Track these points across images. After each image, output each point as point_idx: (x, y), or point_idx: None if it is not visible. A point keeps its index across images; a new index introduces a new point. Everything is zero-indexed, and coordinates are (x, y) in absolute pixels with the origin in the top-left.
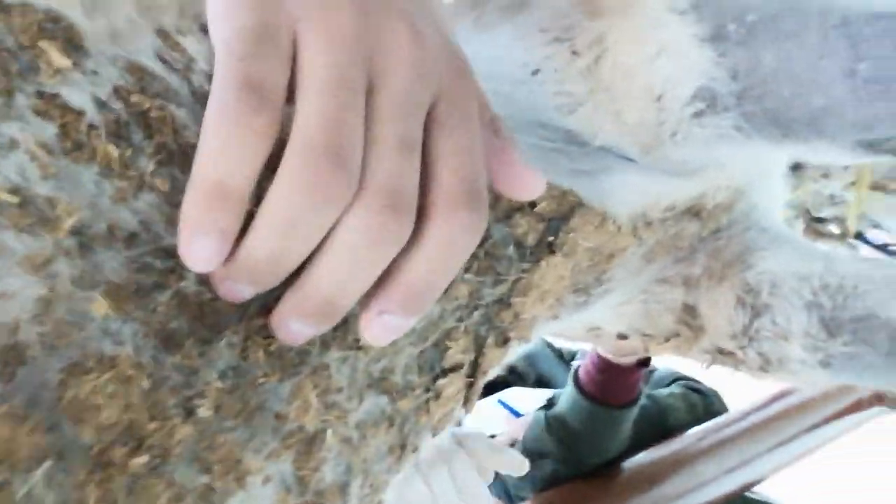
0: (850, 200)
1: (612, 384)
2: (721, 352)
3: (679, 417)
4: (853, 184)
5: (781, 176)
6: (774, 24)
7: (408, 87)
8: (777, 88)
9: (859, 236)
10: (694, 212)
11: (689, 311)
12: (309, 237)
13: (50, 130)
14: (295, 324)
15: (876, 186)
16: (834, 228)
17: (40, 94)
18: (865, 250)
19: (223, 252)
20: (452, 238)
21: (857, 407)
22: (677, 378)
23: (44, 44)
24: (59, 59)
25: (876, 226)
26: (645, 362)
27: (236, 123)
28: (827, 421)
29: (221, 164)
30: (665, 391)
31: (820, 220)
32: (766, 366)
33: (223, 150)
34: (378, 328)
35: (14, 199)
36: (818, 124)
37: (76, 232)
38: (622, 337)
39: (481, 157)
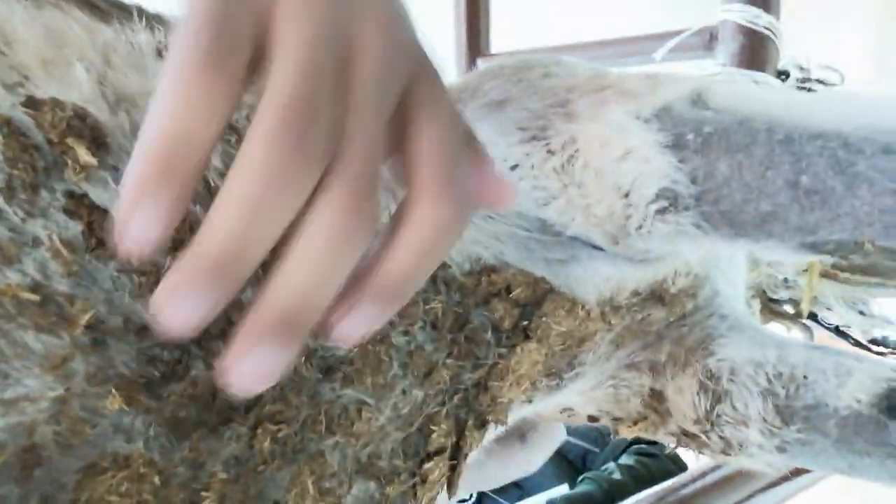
0: (802, 285)
1: None
2: (686, 434)
3: (628, 493)
4: (805, 271)
5: (742, 265)
6: (727, 137)
7: (382, 66)
8: (730, 193)
9: (813, 317)
10: (658, 296)
11: (657, 396)
12: (274, 221)
13: (76, 229)
14: (250, 358)
15: (826, 274)
16: (789, 309)
17: (70, 194)
18: (820, 331)
19: (168, 223)
20: (439, 227)
21: None
22: (633, 442)
23: (71, 141)
24: (86, 157)
25: (829, 308)
26: None
27: (193, 98)
28: (784, 480)
29: (178, 123)
30: (612, 467)
31: (776, 301)
32: (727, 449)
33: (175, 123)
34: (350, 323)
35: (35, 298)
36: (766, 227)
37: (91, 327)
38: (593, 419)
39: (461, 146)
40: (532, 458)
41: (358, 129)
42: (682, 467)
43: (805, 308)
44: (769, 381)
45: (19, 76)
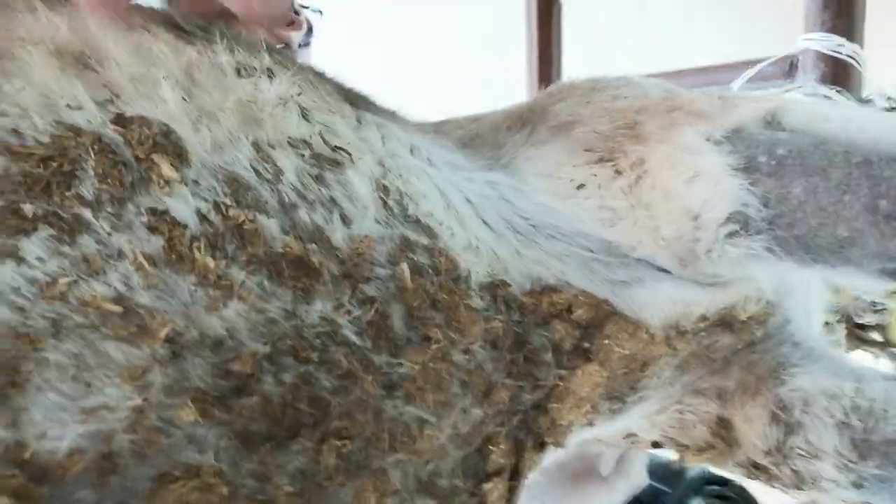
0: (891, 309)
1: None
2: (756, 466)
3: None
4: (895, 293)
5: (819, 291)
6: (802, 159)
7: None
8: (805, 217)
9: None
10: (726, 323)
11: (724, 424)
12: None
13: (157, 243)
14: None
15: None
16: (876, 336)
17: (153, 211)
18: None
19: None
20: None
21: None
22: (706, 481)
23: (157, 157)
24: (169, 172)
25: None
26: None
27: None
28: None
29: None
30: None
31: (861, 327)
32: (800, 483)
33: None
34: None
35: (118, 310)
36: (844, 253)
37: (169, 340)
38: (657, 445)
39: None
40: (610, 498)
41: None
42: None
43: (893, 334)
44: (846, 413)
45: (110, 94)
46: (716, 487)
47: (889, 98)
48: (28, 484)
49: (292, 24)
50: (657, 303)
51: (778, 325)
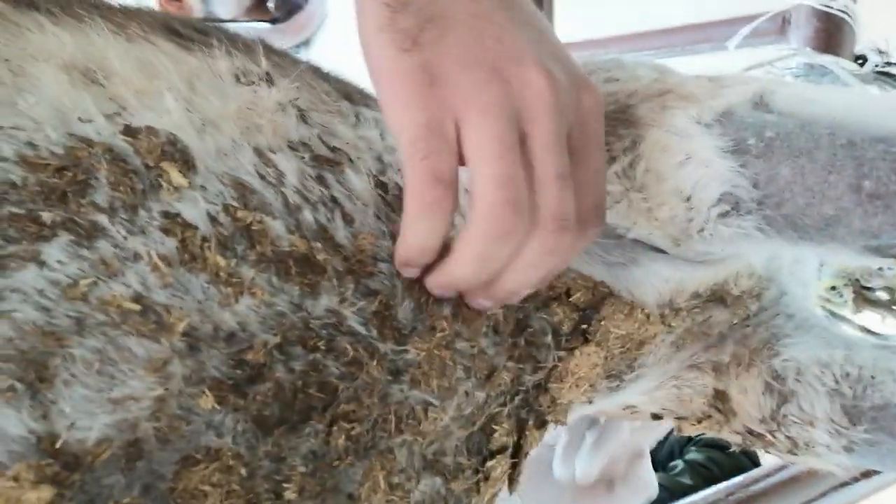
0: None
1: None
2: (751, 433)
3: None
4: None
5: (814, 263)
6: (790, 141)
7: (552, 129)
8: (793, 197)
9: None
10: (719, 298)
11: (720, 396)
12: (498, 262)
13: (171, 244)
14: (483, 301)
15: None
16: (882, 295)
17: (165, 214)
18: None
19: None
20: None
21: None
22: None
23: (165, 165)
24: (178, 179)
25: None
26: None
27: (430, 209)
28: (861, 478)
29: (420, 237)
30: (680, 466)
31: (869, 289)
32: (794, 448)
33: (422, 229)
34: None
35: (136, 308)
36: (830, 230)
37: (186, 334)
38: (656, 417)
39: (605, 176)
40: None
41: (547, 182)
42: (755, 462)
43: None
44: (836, 381)
45: (117, 106)
46: (711, 437)
47: (881, 52)
48: (62, 471)
49: None
50: (651, 282)
51: (773, 298)
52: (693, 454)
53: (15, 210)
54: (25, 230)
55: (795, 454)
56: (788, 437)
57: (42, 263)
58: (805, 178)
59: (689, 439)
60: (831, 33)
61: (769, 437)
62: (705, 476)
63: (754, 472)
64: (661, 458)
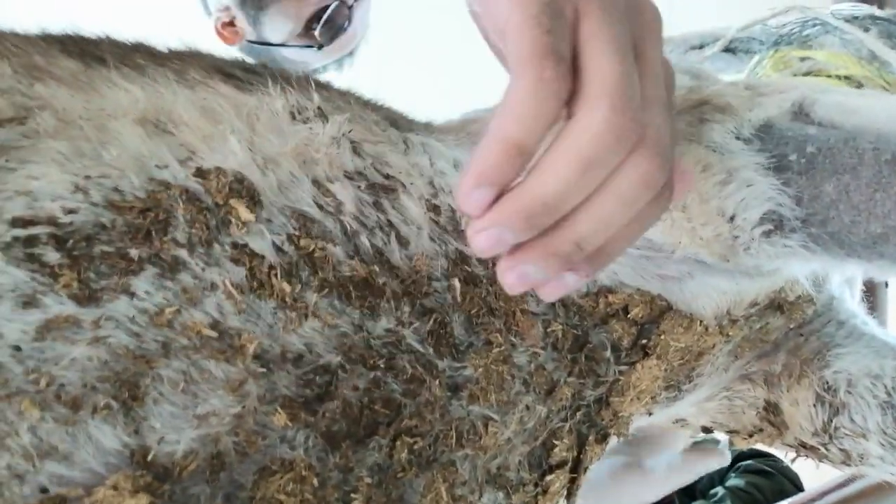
0: None
1: None
2: (804, 446)
3: None
4: None
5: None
6: (833, 157)
7: (660, 57)
8: (838, 215)
9: None
10: (776, 305)
11: (772, 408)
12: (597, 178)
13: (241, 273)
14: (532, 267)
15: None
16: None
17: (235, 245)
18: None
19: (490, 202)
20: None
21: None
22: (750, 455)
23: (234, 202)
24: (246, 214)
25: None
26: None
27: (547, 86)
28: None
29: (524, 125)
30: (721, 494)
31: None
32: (847, 460)
33: (531, 108)
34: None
35: (214, 334)
36: (878, 248)
37: (258, 357)
38: (707, 430)
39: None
40: (652, 491)
41: (655, 103)
42: (798, 487)
43: None
44: (888, 393)
45: (188, 152)
46: (751, 462)
47: None
48: (154, 482)
49: None
50: (708, 294)
51: (826, 303)
52: (734, 480)
53: (106, 248)
54: (115, 266)
55: (849, 465)
56: (841, 450)
57: (132, 294)
58: (850, 196)
59: (729, 467)
60: None
61: (822, 449)
62: (747, 501)
63: (797, 497)
64: (702, 486)
